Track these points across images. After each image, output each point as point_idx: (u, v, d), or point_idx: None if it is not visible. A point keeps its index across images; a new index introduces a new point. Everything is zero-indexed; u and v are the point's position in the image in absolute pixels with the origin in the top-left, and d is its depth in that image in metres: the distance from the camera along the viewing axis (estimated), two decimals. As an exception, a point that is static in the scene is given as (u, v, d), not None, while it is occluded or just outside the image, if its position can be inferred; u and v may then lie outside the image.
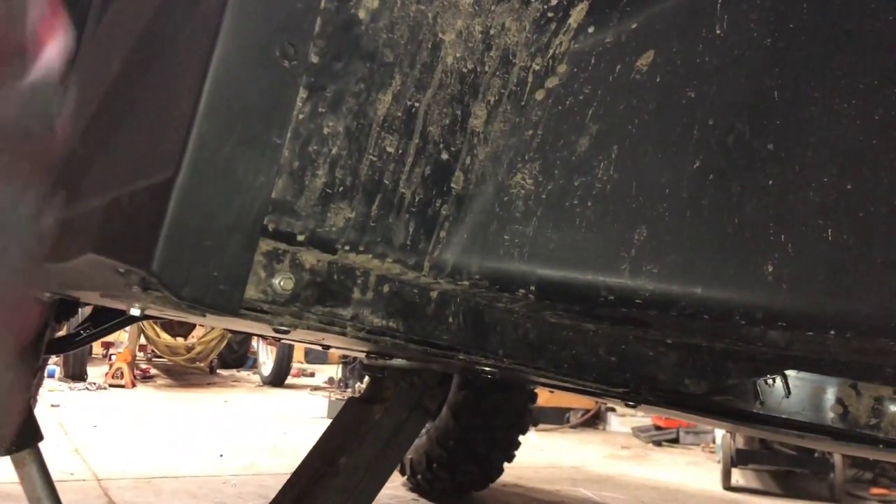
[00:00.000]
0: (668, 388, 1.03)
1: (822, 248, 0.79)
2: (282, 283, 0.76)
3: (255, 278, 0.74)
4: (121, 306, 1.29)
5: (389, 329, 0.85)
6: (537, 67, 0.82)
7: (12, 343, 1.34)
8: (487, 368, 1.20)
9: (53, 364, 7.59)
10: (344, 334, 0.88)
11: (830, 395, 1.05)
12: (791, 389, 1.06)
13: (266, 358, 9.23)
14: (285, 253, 0.76)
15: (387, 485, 1.94)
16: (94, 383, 7.27)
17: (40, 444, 1.75)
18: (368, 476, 1.83)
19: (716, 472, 4.92)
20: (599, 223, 0.83)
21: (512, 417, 3.43)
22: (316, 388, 8.45)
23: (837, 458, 4.49)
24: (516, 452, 3.59)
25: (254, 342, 10.02)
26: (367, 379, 2.25)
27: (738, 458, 4.62)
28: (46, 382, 6.03)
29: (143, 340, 8.93)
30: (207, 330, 8.66)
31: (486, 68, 0.79)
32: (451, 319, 0.90)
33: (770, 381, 1.06)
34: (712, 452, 6.10)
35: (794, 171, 0.80)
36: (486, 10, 0.77)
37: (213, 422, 5.68)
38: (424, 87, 0.76)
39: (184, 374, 9.10)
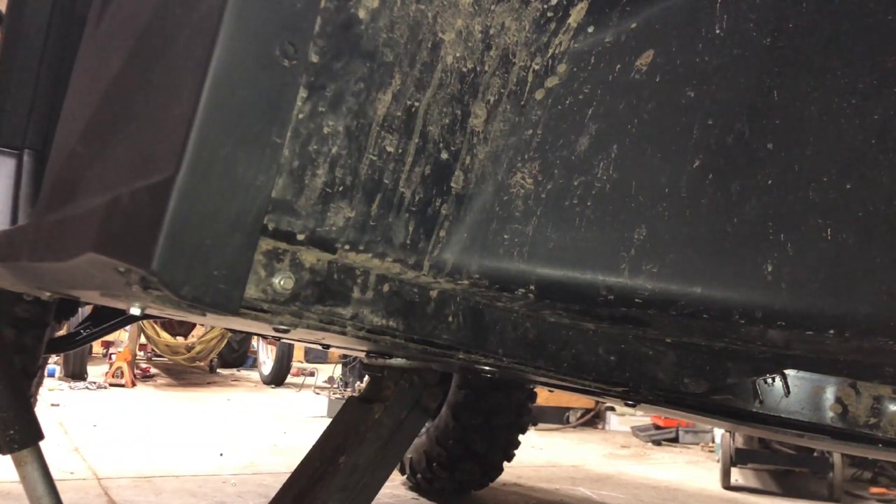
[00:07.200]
0: (667, 388, 1.03)
1: (822, 247, 0.79)
2: (282, 283, 0.76)
3: (255, 277, 0.74)
4: (121, 306, 1.29)
5: (389, 328, 0.85)
6: (537, 67, 0.82)
7: None
8: (487, 368, 1.20)
9: (53, 363, 7.60)
10: (344, 333, 0.88)
11: (830, 395, 1.05)
12: (790, 389, 1.06)
13: (266, 357, 9.23)
14: (285, 252, 0.76)
15: (386, 484, 1.95)
16: (95, 382, 7.27)
17: (41, 443, 1.76)
18: (368, 475, 1.83)
19: (715, 471, 4.92)
20: (599, 222, 0.83)
21: (511, 417, 3.43)
22: (318, 388, 8.44)
23: (836, 458, 4.49)
24: (516, 451, 3.59)
25: (254, 341, 10.02)
26: (366, 378, 2.25)
27: (737, 458, 4.62)
28: (46, 382, 6.03)
29: (143, 340, 8.94)
30: (207, 329, 8.67)
31: (486, 68, 0.79)
32: (450, 318, 0.90)
33: (769, 381, 1.06)
34: (711, 451, 6.11)
35: (794, 170, 0.80)
36: (486, 10, 0.77)
37: (213, 421, 5.68)
38: (424, 87, 0.76)
39: (184, 374, 9.10)
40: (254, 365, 10.29)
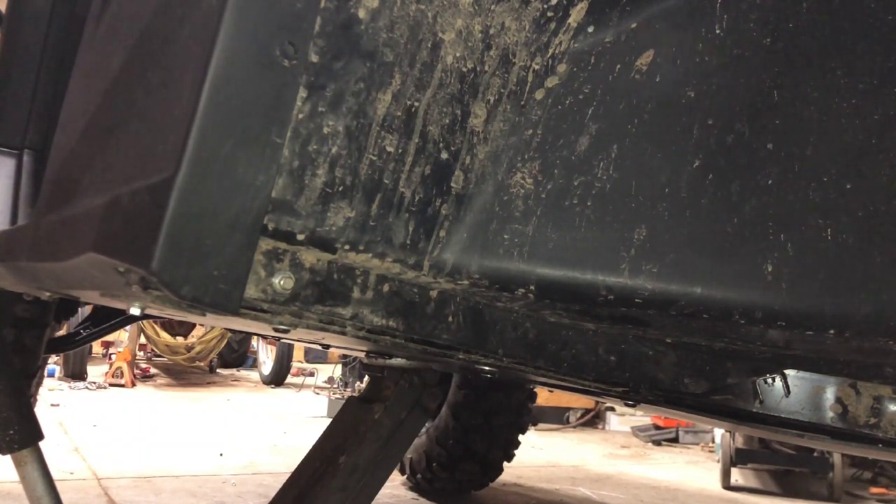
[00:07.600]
0: (667, 388, 1.03)
1: (822, 247, 0.79)
2: (282, 283, 0.76)
3: (255, 277, 0.74)
4: (121, 306, 1.29)
5: (389, 328, 0.85)
6: (537, 67, 0.82)
7: None
8: (487, 368, 1.20)
9: (53, 363, 7.60)
10: (344, 333, 0.88)
11: (830, 395, 1.05)
12: (790, 389, 1.06)
13: (266, 357, 9.23)
14: (285, 252, 0.76)
15: (386, 484, 1.95)
16: (94, 382, 7.27)
17: (40, 443, 1.76)
18: (368, 475, 1.83)
19: (715, 471, 4.92)
20: (599, 222, 0.83)
21: (511, 417, 3.43)
22: (318, 388, 8.44)
23: (836, 458, 4.50)
24: (516, 452, 3.59)
25: (253, 341, 10.02)
26: (366, 378, 2.25)
27: (737, 458, 4.62)
28: (46, 382, 6.03)
29: (142, 340, 8.94)
30: (207, 329, 8.67)
31: (486, 68, 0.79)
32: (450, 318, 0.90)
33: (769, 381, 1.06)
34: (711, 451, 6.11)
35: (794, 170, 0.80)
36: (486, 10, 0.77)
37: (213, 421, 5.68)
38: (424, 87, 0.76)
39: (184, 374, 9.10)
40: (254, 365, 10.29)
